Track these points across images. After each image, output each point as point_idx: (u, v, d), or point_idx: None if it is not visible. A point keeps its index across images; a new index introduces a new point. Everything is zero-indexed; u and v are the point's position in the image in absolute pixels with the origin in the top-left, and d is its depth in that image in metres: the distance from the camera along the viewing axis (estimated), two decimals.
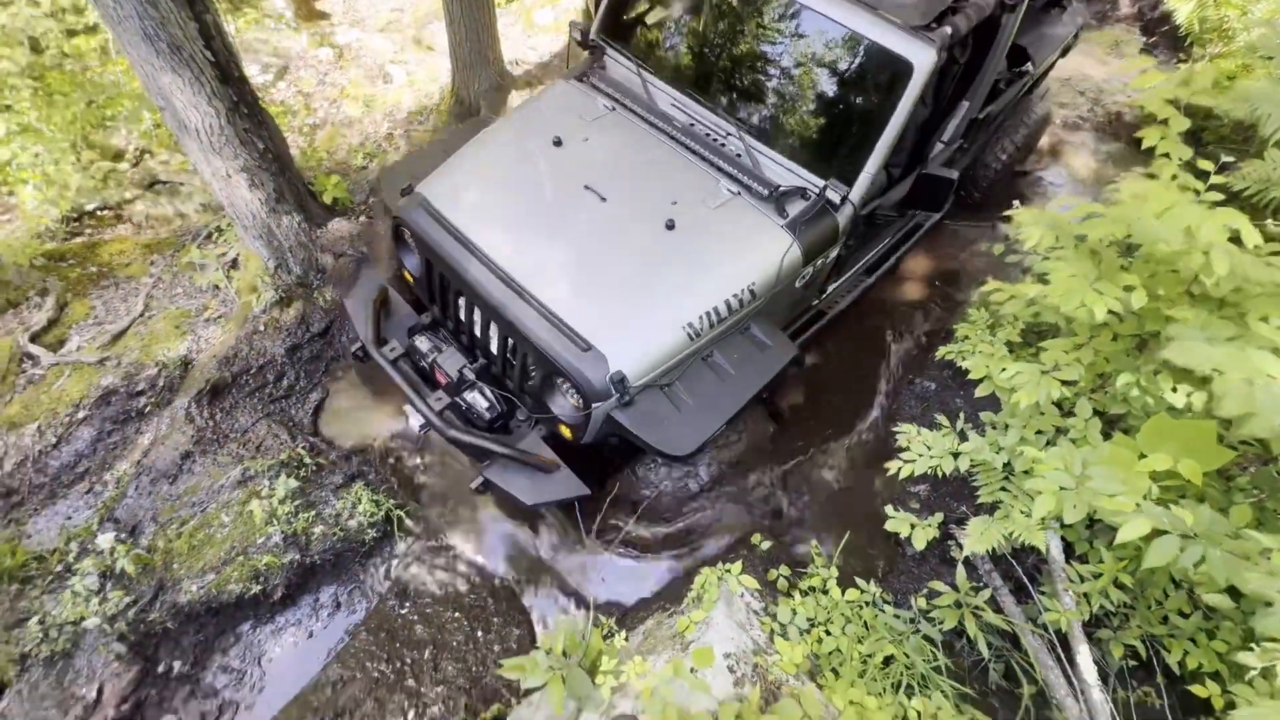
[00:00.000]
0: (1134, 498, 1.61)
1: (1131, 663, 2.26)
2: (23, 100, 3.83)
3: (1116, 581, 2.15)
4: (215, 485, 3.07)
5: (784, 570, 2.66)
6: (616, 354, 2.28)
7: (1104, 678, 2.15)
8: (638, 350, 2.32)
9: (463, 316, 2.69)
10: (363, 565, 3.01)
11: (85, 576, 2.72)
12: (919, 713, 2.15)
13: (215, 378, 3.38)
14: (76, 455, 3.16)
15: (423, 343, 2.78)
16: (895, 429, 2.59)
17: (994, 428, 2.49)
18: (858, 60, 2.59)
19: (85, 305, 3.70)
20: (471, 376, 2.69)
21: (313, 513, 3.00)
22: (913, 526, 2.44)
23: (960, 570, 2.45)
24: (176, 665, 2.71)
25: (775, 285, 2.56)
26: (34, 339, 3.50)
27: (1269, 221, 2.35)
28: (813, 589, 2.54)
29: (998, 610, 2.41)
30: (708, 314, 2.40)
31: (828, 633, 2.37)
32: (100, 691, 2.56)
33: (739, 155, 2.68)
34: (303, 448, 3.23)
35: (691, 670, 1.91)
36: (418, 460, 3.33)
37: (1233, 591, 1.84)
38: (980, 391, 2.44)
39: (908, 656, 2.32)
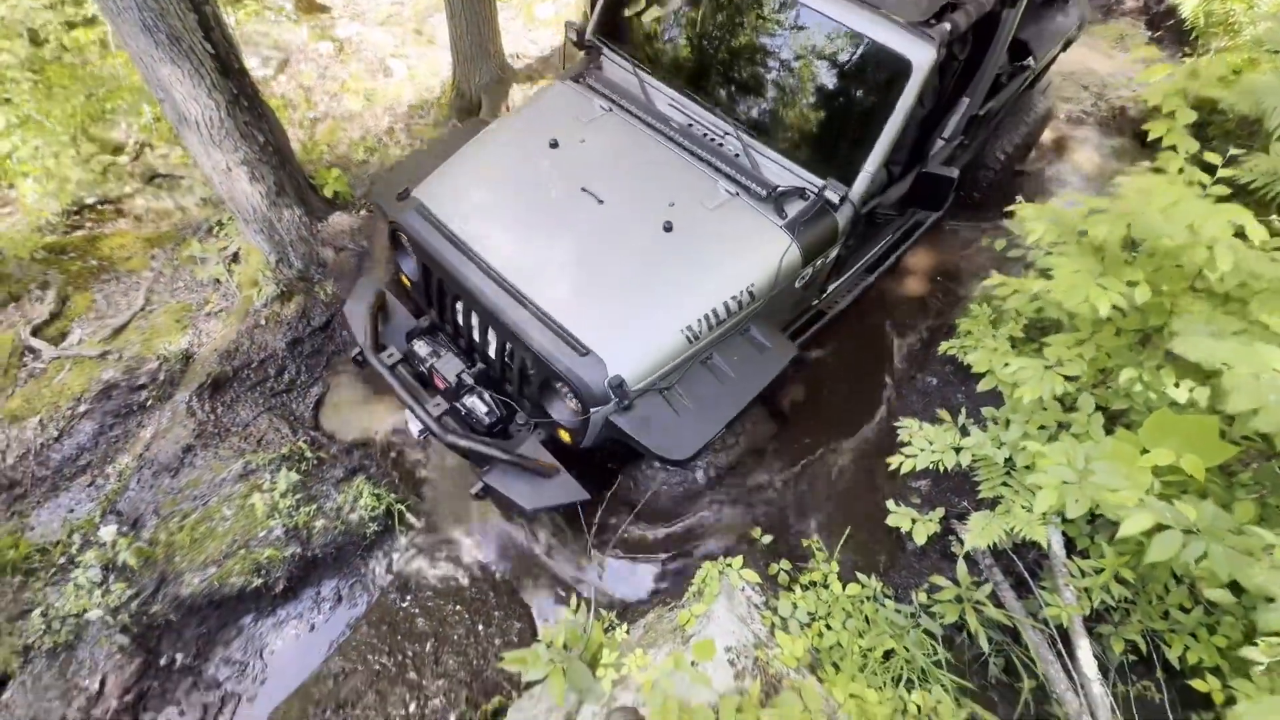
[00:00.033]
0: (1136, 493, 1.60)
1: (1132, 658, 2.26)
2: (22, 93, 3.82)
3: (1118, 577, 2.14)
4: (217, 479, 3.08)
5: (785, 565, 2.67)
6: (615, 358, 2.27)
7: (1104, 672, 2.15)
8: (636, 354, 2.31)
9: (460, 321, 2.67)
10: (364, 559, 3.02)
11: (88, 569, 2.73)
12: (919, 706, 2.16)
13: (216, 372, 3.38)
14: (78, 448, 3.17)
15: (421, 347, 2.76)
16: (897, 424, 2.58)
17: (996, 423, 2.49)
18: (855, 58, 2.55)
19: (86, 299, 3.70)
20: (470, 381, 2.67)
21: (314, 506, 3.01)
22: (914, 521, 2.44)
23: (961, 565, 2.45)
24: (179, 657, 2.72)
25: (774, 286, 2.54)
26: (35, 332, 3.50)
27: (1274, 217, 2.34)
28: (813, 583, 2.54)
29: (998, 605, 2.41)
30: (706, 316, 2.39)
31: (828, 627, 2.37)
32: (103, 683, 2.57)
33: (737, 155, 2.66)
34: (304, 442, 3.23)
35: (692, 663, 1.92)
36: (419, 455, 3.33)
37: (1234, 587, 1.84)
38: (982, 386, 2.43)
39: (908, 651, 2.33)
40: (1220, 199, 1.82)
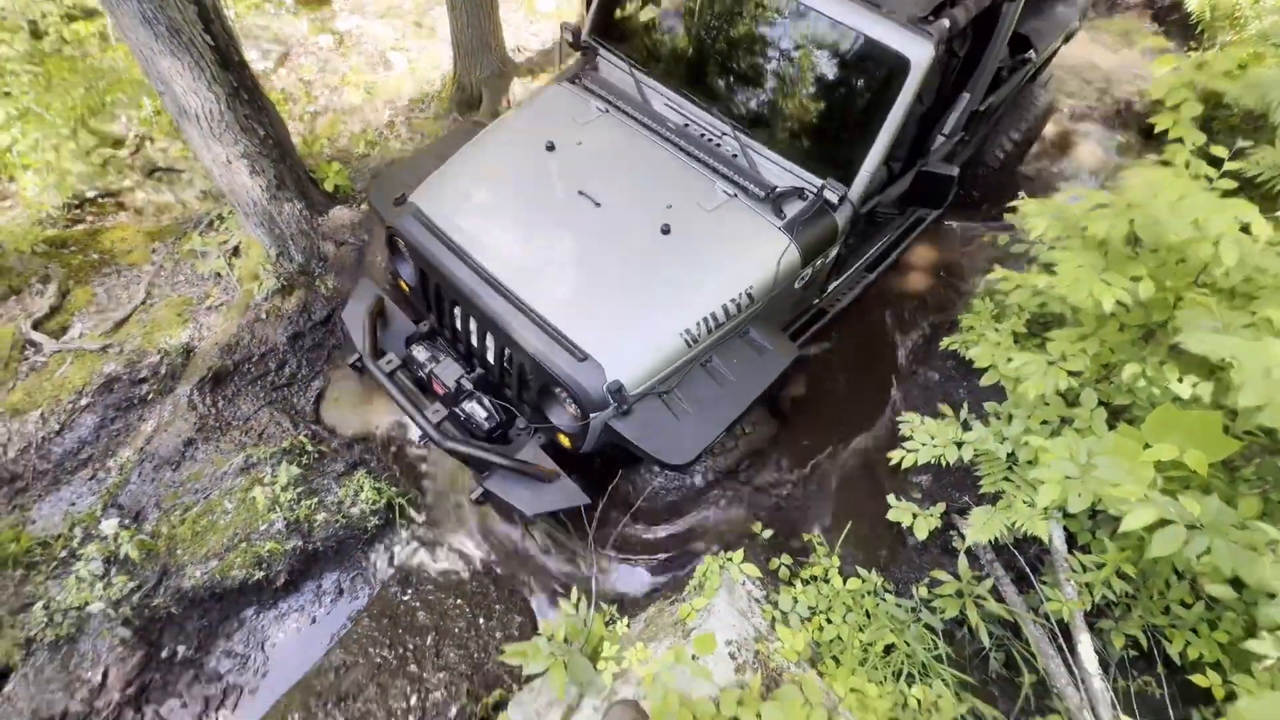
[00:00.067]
0: (1139, 488, 1.60)
1: (1132, 653, 2.26)
2: (22, 86, 3.81)
3: (1119, 572, 2.14)
4: (218, 472, 3.08)
5: (785, 559, 2.67)
6: (613, 363, 2.26)
7: (1105, 667, 2.15)
8: (635, 358, 2.30)
9: (459, 326, 2.66)
10: (365, 552, 3.02)
11: (89, 562, 2.74)
12: (919, 700, 2.16)
13: (217, 365, 3.38)
14: (80, 442, 3.17)
15: (420, 352, 2.75)
16: (899, 419, 2.58)
17: (998, 418, 2.48)
18: (853, 56, 2.53)
19: (87, 292, 3.69)
20: (469, 387, 2.66)
21: (315, 500, 3.01)
22: (915, 516, 2.44)
23: (962, 560, 2.45)
24: (181, 650, 2.73)
25: (774, 288, 2.52)
26: (36, 326, 3.50)
27: None
28: (814, 578, 2.54)
29: (999, 600, 2.41)
30: (705, 319, 2.37)
31: (829, 621, 2.38)
32: (105, 675, 2.58)
33: (735, 156, 2.63)
34: (305, 435, 3.23)
35: (693, 657, 1.92)
36: (419, 450, 3.33)
37: (1235, 583, 1.84)
38: (985, 381, 2.43)
39: (908, 645, 2.33)
40: (1226, 193, 1.80)
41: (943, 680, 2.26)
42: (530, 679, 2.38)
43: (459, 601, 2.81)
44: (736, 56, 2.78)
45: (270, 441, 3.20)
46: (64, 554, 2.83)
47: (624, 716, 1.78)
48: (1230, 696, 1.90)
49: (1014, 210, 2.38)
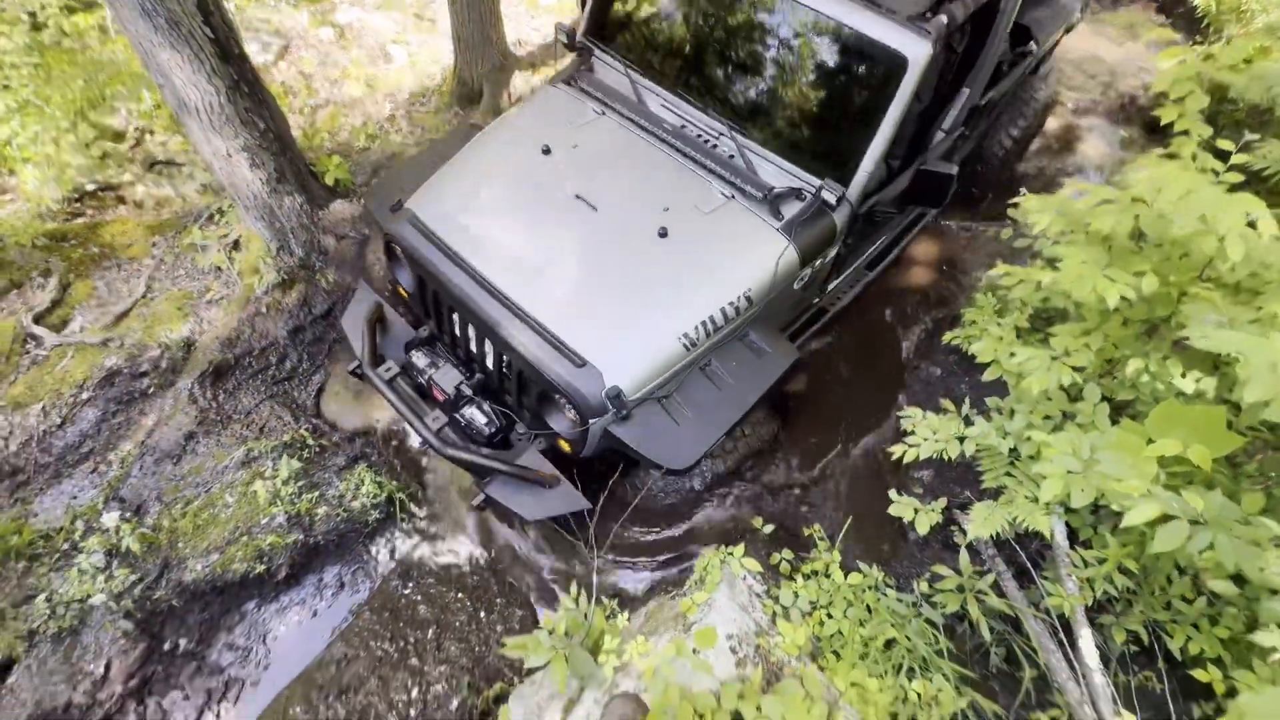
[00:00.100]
0: (1142, 483, 1.59)
1: (1133, 648, 2.26)
2: (22, 78, 3.80)
3: (1121, 567, 2.14)
4: (219, 466, 3.08)
5: (786, 554, 2.67)
6: (612, 369, 2.26)
7: (1105, 662, 2.15)
8: (634, 364, 2.29)
9: (457, 332, 2.65)
10: (366, 546, 3.02)
11: (91, 554, 2.74)
12: (919, 695, 2.16)
13: (218, 359, 3.38)
14: (81, 435, 3.17)
15: (420, 358, 2.75)
16: (900, 414, 2.57)
17: (1000, 413, 2.47)
18: (850, 55, 2.50)
19: (88, 286, 3.69)
20: (469, 393, 2.66)
21: (316, 494, 3.01)
22: (916, 511, 2.43)
23: (963, 555, 2.44)
24: (183, 642, 2.74)
25: (772, 290, 2.50)
26: (37, 320, 3.50)
27: None
28: (815, 573, 2.54)
29: (1000, 595, 2.41)
30: (704, 323, 2.36)
31: (829, 615, 2.38)
32: (108, 667, 2.59)
33: (731, 157, 2.61)
34: (306, 429, 3.23)
35: (694, 650, 1.92)
36: (420, 444, 3.33)
37: (1236, 579, 1.84)
38: (988, 376, 2.42)
39: (909, 640, 2.33)
40: (1233, 187, 1.79)
41: (943, 675, 2.26)
42: (531, 672, 2.38)
43: (460, 595, 2.82)
44: (733, 56, 2.75)
45: (271, 435, 3.20)
46: (66, 547, 2.84)
47: (625, 709, 1.78)
48: (1231, 692, 1.90)
49: (1015, 206, 2.36)
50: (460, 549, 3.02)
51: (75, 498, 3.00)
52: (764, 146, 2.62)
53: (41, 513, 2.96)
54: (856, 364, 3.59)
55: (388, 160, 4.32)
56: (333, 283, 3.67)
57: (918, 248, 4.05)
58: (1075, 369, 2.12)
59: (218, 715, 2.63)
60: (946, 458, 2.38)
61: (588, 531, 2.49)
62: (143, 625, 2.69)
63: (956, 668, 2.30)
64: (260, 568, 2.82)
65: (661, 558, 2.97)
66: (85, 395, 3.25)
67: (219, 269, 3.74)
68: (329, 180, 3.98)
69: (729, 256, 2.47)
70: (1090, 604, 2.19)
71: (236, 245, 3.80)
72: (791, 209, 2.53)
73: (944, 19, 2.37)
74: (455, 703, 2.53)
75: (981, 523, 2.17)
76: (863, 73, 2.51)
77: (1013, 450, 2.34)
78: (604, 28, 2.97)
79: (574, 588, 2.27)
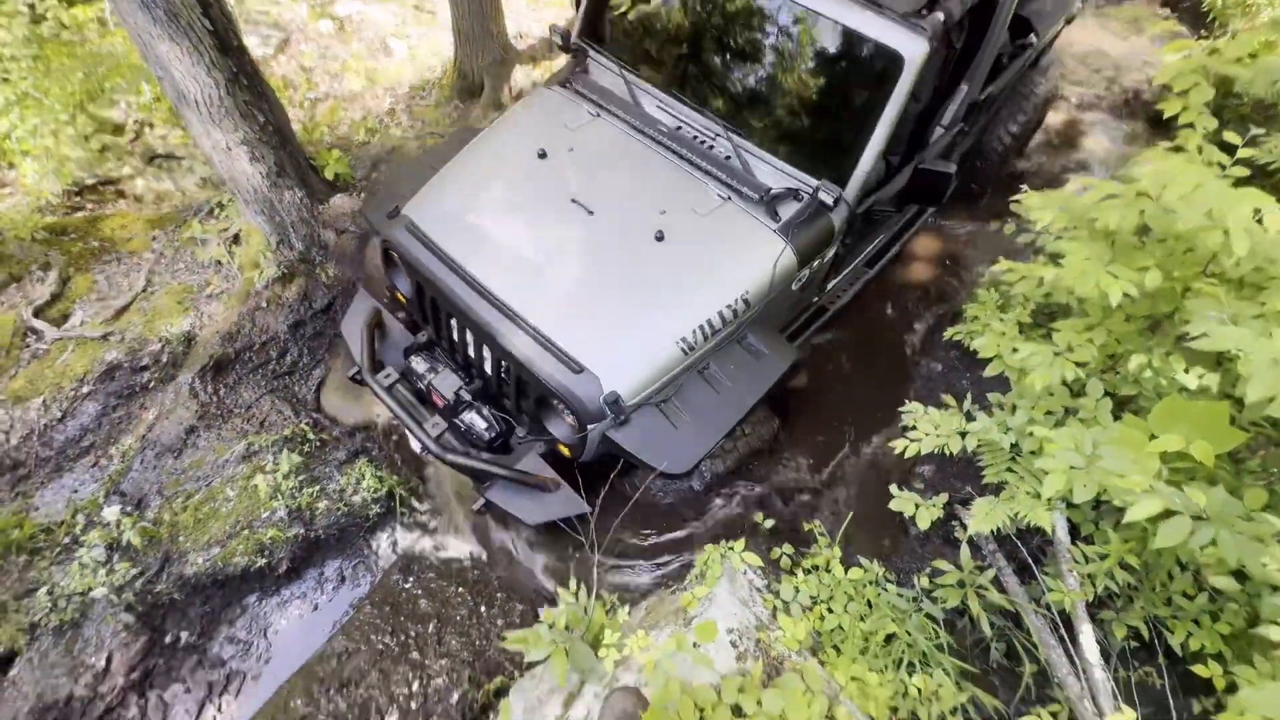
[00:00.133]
0: (1145, 478, 1.59)
1: (1134, 643, 2.26)
2: (21, 70, 3.78)
3: (1122, 563, 2.14)
4: (220, 460, 3.08)
5: (787, 549, 2.67)
6: (609, 374, 2.25)
7: (1106, 657, 2.15)
8: (631, 369, 2.29)
9: (456, 338, 2.65)
10: (367, 540, 3.03)
11: (92, 548, 2.75)
12: (919, 689, 2.17)
13: (218, 353, 3.37)
14: (82, 429, 3.17)
15: (419, 364, 2.75)
16: (901, 409, 2.56)
17: (1002, 408, 2.47)
18: (845, 54, 2.47)
19: (88, 280, 3.68)
20: (468, 398, 2.67)
21: (317, 488, 3.02)
22: (917, 506, 2.43)
23: (964, 550, 2.44)
24: (184, 635, 2.74)
25: (770, 292, 2.49)
26: (37, 313, 3.49)
27: None
28: (815, 567, 2.54)
29: (1001, 590, 2.41)
30: (701, 327, 2.35)
31: (830, 610, 2.37)
32: (109, 660, 2.59)
33: (728, 158, 2.59)
34: (306, 424, 3.23)
35: (695, 645, 1.92)
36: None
37: (1237, 575, 1.83)
38: (990, 371, 2.41)
39: (909, 634, 2.33)
40: (1239, 181, 1.78)
41: (943, 669, 2.26)
42: (532, 666, 2.39)
43: (460, 589, 2.82)
44: (728, 55, 2.73)
45: (272, 429, 3.20)
46: (67, 540, 2.84)
47: (625, 703, 1.78)
48: (1231, 687, 1.90)
49: (1017, 203, 2.35)
50: (461, 543, 3.02)
51: (76, 491, 3.01)
52: (760, 147, 2.60)
53: (43, 506, 2.96)
54: (857, 361, 3.58)
55: (388, 154, 4.30)
56: (333, 277, 3.66)
57: (919, 244, 4.03)
58: (1078, 364, 2.11)
59: (219, 708, 2.63)
60: (948, 453, 2.38)
61: (588, 527, 2.50)
62: (144, 618, 2.69)
63: (957, 662, 2.31)
64: (261, 561, 2.83)
65: (661, 559, 2.97)
66: (86, 389, 3.25)
67: (219, 263, 3.73)
68: (329, 174, 3.96)
69: (726, 259, 2.46)
70: (1091, 599, 2.18)
71: (236, 239, 3.79)
72: (789, 210, 2.51)
73: (940, 15, 2.33)
74: (456, 696, 2.54)
75: (982, 518, 2.17)
76: (858, 71, 2.48)
77: (1014, 445, 2.33)
78: (598, 29, 2.95)
79: (573, 582, 2.27)
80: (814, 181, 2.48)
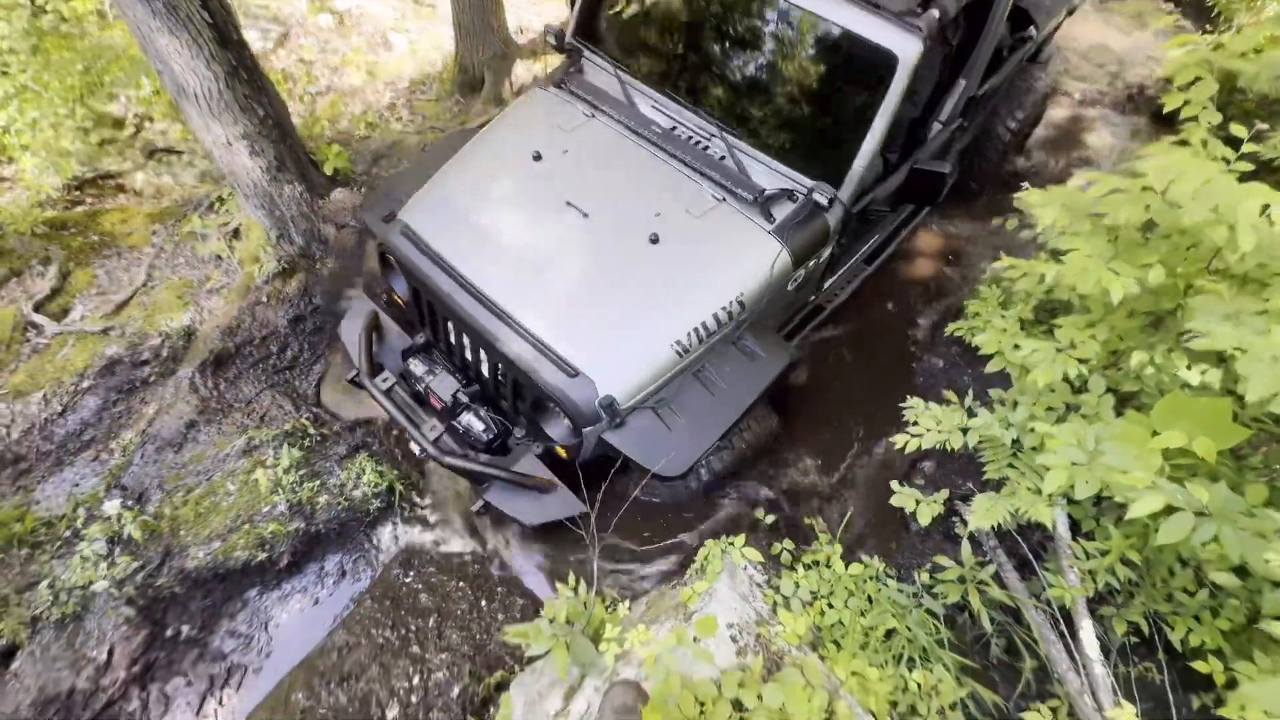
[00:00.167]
0: (1147, 475, 1.58)
1: (1134, 639, 2.26)
2: (20, 64, 3.77)
3: (1123, 559, 2.14)
4: (220, 454, 3.08)
5: (788, 544, 2.67)
6: (604, 378, 2.26)
7: (1106, 653, 2.15)
8: (626, 372, 2.29)
9: (452, 340, 2.66)
10: (367, 534, 3.03)
11: (93, 542, 2.75)
12: (919, 684, 2.17)
13: (219, 348, 3.37)
14: (82, 423, 3.17)
15: (417, 366, 2.76)
16: (902, 405, 2.56)
17: (1003, 404, 2.46)
18: (839, 53, 2.46)
19: (88, 274, 3.68)
20: (465, 400, 2.67)
21: (317, 482, 3.02)
22: (918, 502, 2.43)
23: (965, 546, 2.44)
24: (185, 629, 2.75)
25: (765, 293, 2.48)
26: (38, 308, 3.49)
27: None
28: (816, 563, 2.54)
29: (1001, 586, 2.41)
30: (696, 329, 2.35)
31: (830, 605, 2.38)
32: (110, 653, 2.60)
33: (722, 158, 2.58)
34: (307, 418, 3.23)
35: (695, 639, 1.92)
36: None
37: (1238, 570, 1.83)
38: (991, 368, 2.41)
39: (910, 630, 2.33)
40: (1243, 175, 1.77)
41: (943, 665, 2.26)
42: (532, 660, 2.39)
43: (461, 583, 2.83)
44: (722, 55, 2.72)
45: (272, 424, 3.20)
46: (68, 534, 2.84)
47: (625, 696, 1.79)
48: (1231, 683, 1.90)
49: (1019, 199, 2.34)
50: (461, 538, 3.02)
51: (77, 485, 3.01)
52: (755, 147, 2.58)
53: (44, 500, 2.96)
54: (858, 357, 3.58)
55: (388, 149, 4.29)
56: (333, 271, 3.66)
57: (920, 240, 4.02)
58: (1080, 361, 2.11)
59: (220, 701, 2.64)
60: (949, 449, 2.37)
61: (588, 522, 2.50)
62: (145, 612, 2.70)
63: (957, 658, 2.31)
64: (262, 555, 2.83)
65: (658, 564, 2.96)
66: (86, 383, 3.25)
67: (219, 257, 3.72)
68: (329, 169, 3.95)
69: (721, 261, 2.45)
70: (1091, 595, 2.19)
71: (236, 234, 3.78)
72: (783, 210, 2.50)
73: (936, 13, 2.30)
74: (456, 690, 2.54)
75: (983, 514, 2.17)
76: (852, 71, 2.46)
77: (1015, 442, 2.33)
78: (593, 29, 2.94)
79: (572, 577, 2.28)
80: (809, 182, 2.47)
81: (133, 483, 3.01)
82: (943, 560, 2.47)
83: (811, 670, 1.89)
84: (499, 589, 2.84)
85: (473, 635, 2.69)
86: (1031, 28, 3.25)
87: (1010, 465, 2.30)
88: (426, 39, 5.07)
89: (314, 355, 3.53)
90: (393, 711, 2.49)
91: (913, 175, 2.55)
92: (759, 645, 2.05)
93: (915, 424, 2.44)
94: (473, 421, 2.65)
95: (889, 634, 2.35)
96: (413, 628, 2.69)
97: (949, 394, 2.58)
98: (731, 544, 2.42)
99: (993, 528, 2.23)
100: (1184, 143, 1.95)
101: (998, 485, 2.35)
